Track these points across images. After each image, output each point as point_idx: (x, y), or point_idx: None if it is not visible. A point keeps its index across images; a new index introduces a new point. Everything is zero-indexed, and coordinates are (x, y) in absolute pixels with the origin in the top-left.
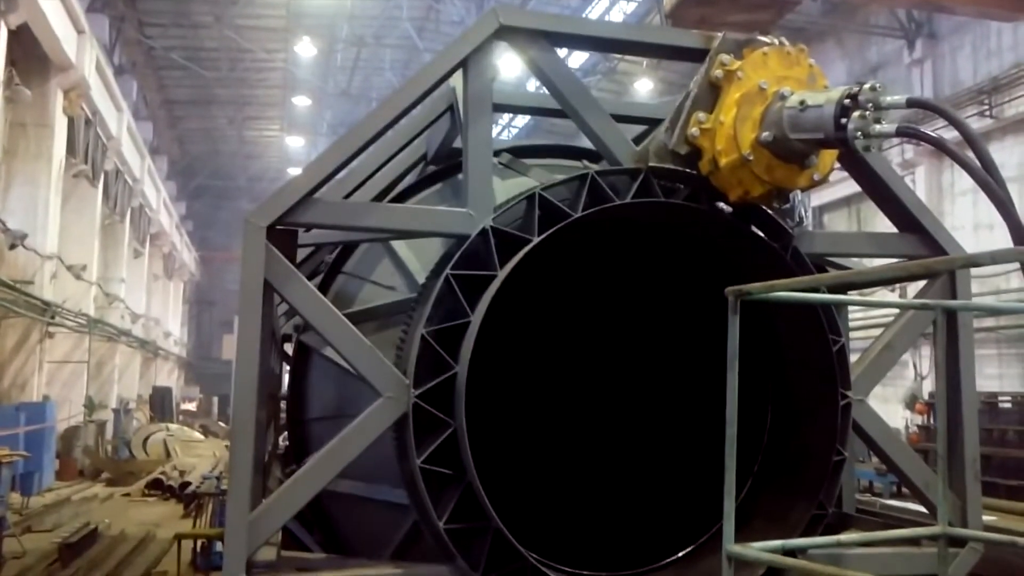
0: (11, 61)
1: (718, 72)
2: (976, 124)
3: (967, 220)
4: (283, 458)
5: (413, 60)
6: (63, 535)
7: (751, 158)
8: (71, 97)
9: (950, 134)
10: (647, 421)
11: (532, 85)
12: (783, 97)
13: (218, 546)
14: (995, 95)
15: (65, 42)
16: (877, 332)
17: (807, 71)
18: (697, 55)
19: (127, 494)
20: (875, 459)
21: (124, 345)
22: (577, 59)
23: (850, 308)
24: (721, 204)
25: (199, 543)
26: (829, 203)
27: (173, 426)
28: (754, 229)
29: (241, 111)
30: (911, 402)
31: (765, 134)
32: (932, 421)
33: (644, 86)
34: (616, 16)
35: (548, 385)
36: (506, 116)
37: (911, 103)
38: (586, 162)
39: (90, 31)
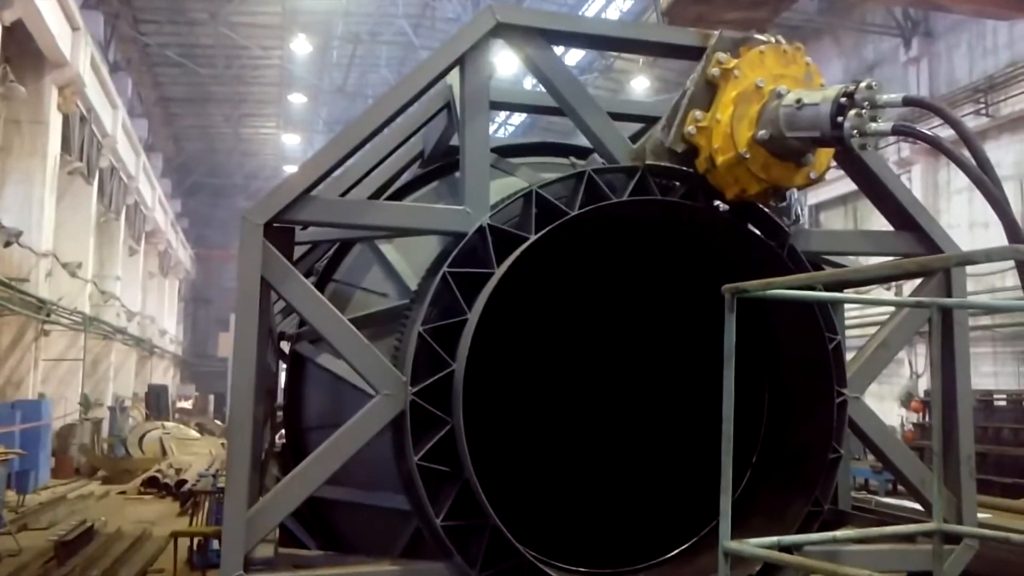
0: (5, 58)
1: (715, 70)
2: (972, 122)
3: (963, 218)
4: (280, 457)
5: (409, 57)
6: (59, 533)
7: (748, 156)
8: (66, 94)
9: (946, 132)
10: (644, 418)
11: (528, 83)
12: (780, 95)
13: (214, 544)
14: (991, 93)
15: (60, 39)
16: (872, 330)
17: (804, 69)
18: (694, 53)
19: (123, 492)
20: (871, 457)
21: (119, 343)
22: (573, 57)
23: (846, 306)
24: (717, 202)
25: (195, 541)
26: (825, 201)
27: (169, 424)
28: (751, 227)
29: (237, 108)
30: (906, 400)
31: (762, 132)
32: (927, 419)
33: (640, 84)
34: (612, 14)
35: (545, 383)
36: (502, 114)
37: (907, 101)
38: (573, 159)
39: (85, 28)
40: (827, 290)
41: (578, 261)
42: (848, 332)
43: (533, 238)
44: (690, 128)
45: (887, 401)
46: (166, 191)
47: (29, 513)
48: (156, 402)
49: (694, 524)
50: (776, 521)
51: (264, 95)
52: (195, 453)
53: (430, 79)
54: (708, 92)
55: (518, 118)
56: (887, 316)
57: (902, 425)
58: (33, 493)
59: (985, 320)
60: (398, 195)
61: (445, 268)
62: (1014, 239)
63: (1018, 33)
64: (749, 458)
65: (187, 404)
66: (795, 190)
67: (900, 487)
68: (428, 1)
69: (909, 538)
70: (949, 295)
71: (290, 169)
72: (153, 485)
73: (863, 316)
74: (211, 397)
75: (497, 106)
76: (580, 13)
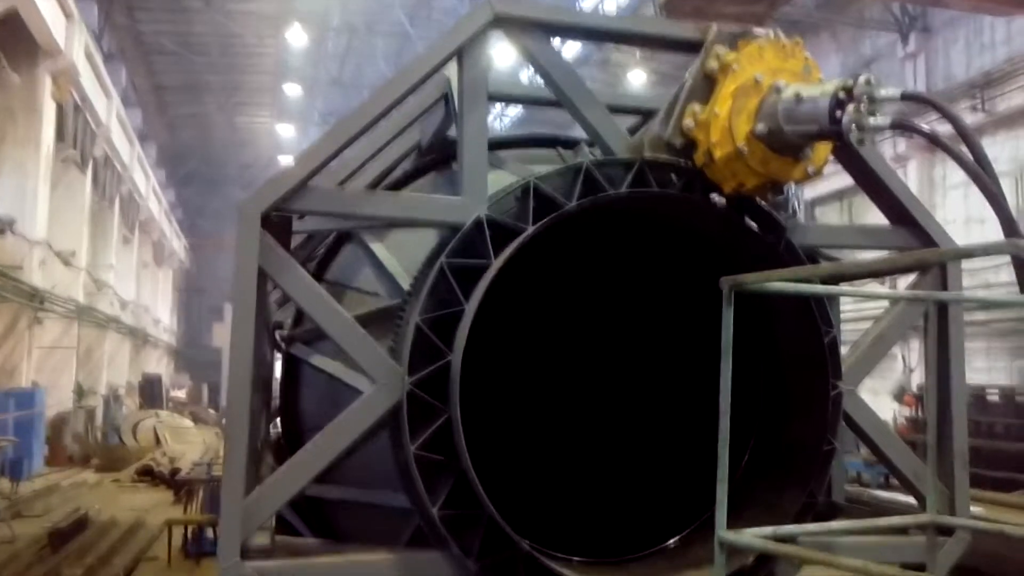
0: None
1: (713, 64)
2: (968, 118)
3: (958, 214)
4: (275, 448)
5: (405, 48)
6: (53, 521)
7: (746, 150)
8: (60, 83)
9: (943, 128)
10: (640, 410)
11: (524, 76)
12: (778, 90)
13: (208, 532)
14: (988, 89)
15: (53, 27)
16: (866, 325)
17: (802, 63)
18: (692, 47)
19: (117, 480)
20: (863, 450)
21: (113, 332)
22: (570, 50)
23: (840, 300)
24: (715, 196)
25: (189, 529)
26: (821, 196)
27: (163, 413)
28: (748, 221)
29: (231, 98)
30: (900, 394)
31: (760, 126)
32: (920, 413)
33: (637, 77)
34: (609, 6)
35: (542, 375)
36: (497, 107)
37: (906, 96)
38: (560, 149)
39: (78, 16)
40: (824, 284)
41: (576, 254)
42: (842, 327)
43: (531, 230)
44: (688, 122)
45: (880, 396)
46: (160, 180)
47: (23, 501)
48: (150, 391)
49: (688, 514)
50: (770, 513)
51: (259, 85)
52: (189, 442)
53: (428, 70)
54: (706, 86)
55: (513, 111)
56: (882, 311)
57: (895, 419)
58: (27, 481)
59: (979, 315)
60: (395, 187)
61: (443, 259)
62: (1010, 234)
63: (1016, 29)
64: (744, 450)
65: (181, 393)
66: (793, 184)
67: (893, 481)
68: None
69: (902, 530)
70: (945, 290)
71: (284, 159)
72: (147, 474)
73: (858, 311)
74: (205, 386)
75: (494, 98)
76: (577, 6)
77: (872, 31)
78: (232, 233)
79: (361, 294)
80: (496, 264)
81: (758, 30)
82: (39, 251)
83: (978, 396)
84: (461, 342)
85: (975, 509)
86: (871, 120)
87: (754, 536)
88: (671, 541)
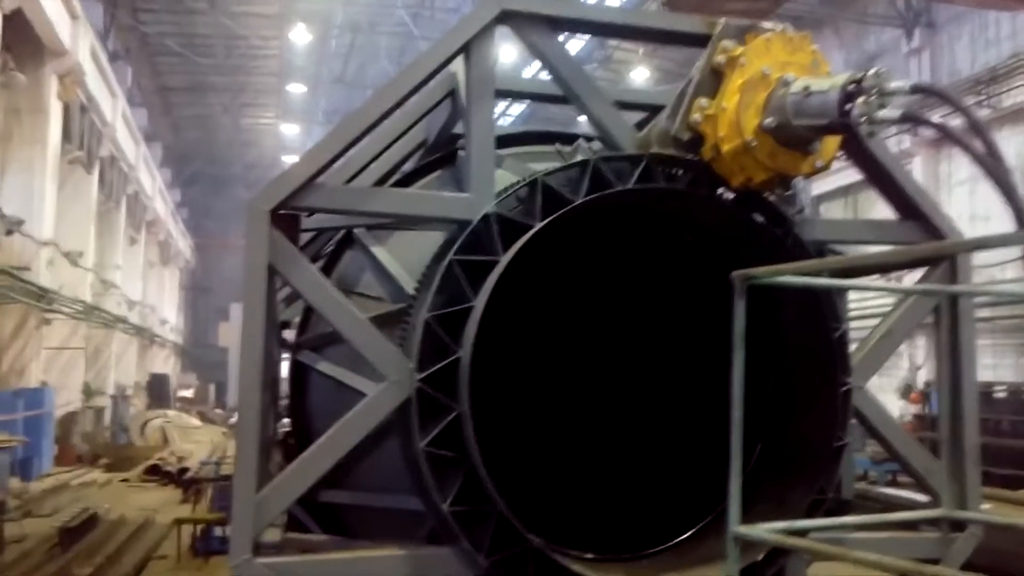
0: (5, 46)
1: (720, 58)
2: (962, 118)
3: (963, 211)
4: (283, 445)
5: (408, 47)
6: (63, 520)
7: (754, 144)
8: (66, 83)
9: (950, 122)
10: (649, 405)
11: (527, 74)
12: (786, 83)
13: (217, 531)
14: (993, 85)
15: (59, 27)
16: (870, 321)
17: (810, 57)
18: (699, 41)
19: (125, 479)
20: (869, 448)
21: (120, 332)
22: (573, 47)
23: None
24: (722, 190)
25: (198, 528)
26: (826, 192)
27: (170, 412)
28: (756, 216)
29: (236, 98)
30: (905, 392)
31: (768, 120)
32: (927, 410)
33: (640, 74)
34: (613, 1)
35: (551, 371)
36: (501, 104)
37: (916, 89)
38: (559, 145)
39: (84, 16)
40: (834, 278)
41: (583, 249)
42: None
43: (538, 226)
44: (696, 116)
45: (886, 393)
46: (166, 180)
47: (33, 500)
48: (157, 391)
49: (699, 510)
50: (780, 509)
51: (263, 85)
52: (196, 441)
53: (435, 66)
54: (714, 80)
55: (516, 109)
56: (886, 307)
57: (901, 416)
58: (36, 480)
59: (985, 312)
60: (402, 184)
61: (451, 255)
62: (1023, 226)
63: (1020, 24)
64: (753, 446)
65: (188, 393)
66: (801, 179)
67: (899, 478)
68: None
69: (912, 526)
70: (954, 284)
71: (289, 159)
72: (155, 473)
73: (861, 308)
74: (211, 386)
75: (502, 94)
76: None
77: (876, 27)
78: (237, 233)
79: (365, 299)
80: (505, 259)
81: (765, 24)
82: (46, 252)
83: (984, 393)
84: (471, 337)
85: (982, 506)
86: (881, 113)
87: (768, 531)
88: (682, 537)
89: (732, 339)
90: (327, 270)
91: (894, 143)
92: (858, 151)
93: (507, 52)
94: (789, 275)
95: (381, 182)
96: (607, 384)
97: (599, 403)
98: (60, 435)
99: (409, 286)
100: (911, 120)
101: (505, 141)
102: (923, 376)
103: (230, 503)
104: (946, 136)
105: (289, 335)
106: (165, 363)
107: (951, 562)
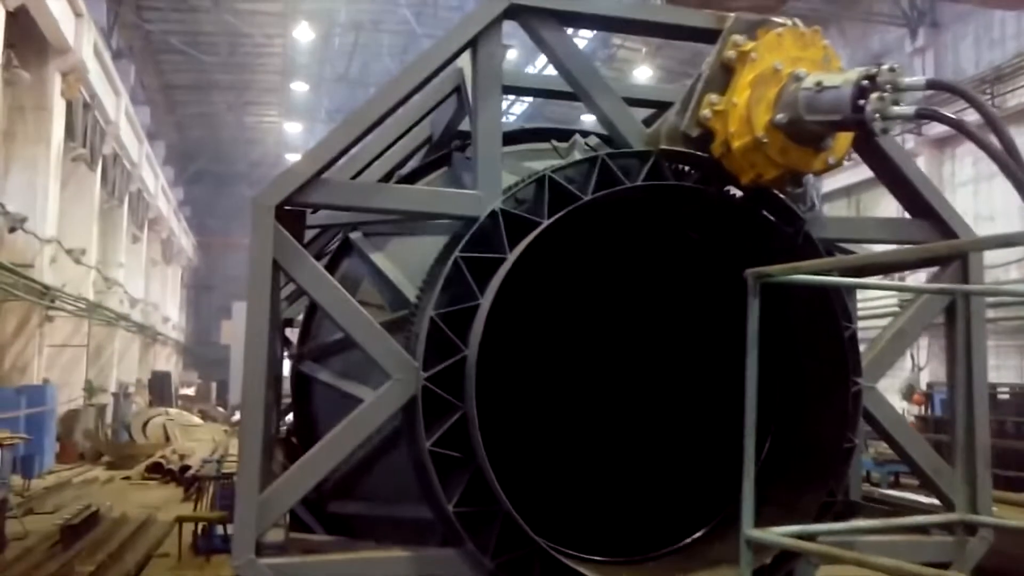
0: (9, 44)
1: (731, 53)
2: (978, 114)
3: (968, 211)
4: (285, 444)
5: (411, 45)
6: (65, 517)
7: (765, 140)
8: (69, 80)
9: (969, 118)
10: (657, 405)
11: (530, 69)
12: (798, 78)
13: (219, 529)
14: (998, 84)
15: (63, 25)
16: (875, 322)
17: (821, 52)
18: (708, 36)
19: (127, 477)
20: (872, 449)
21: (123, 330)
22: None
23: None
24: (732, 188)
25: (200, 526)
26: (829, 192)
27: (172, 410)
28: (766, 214)
29: (240, 96)
30: (908, 393)
31: (780, 116)
32: (930, 411)
33: (643, 73)
34: None
35: (558, 370)
36: (503, 103)
37: (931, 84)
38: (554, 142)
39: (88, 14)
40: (845, 277)
41: (590, 245)
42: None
43: (546, 223)
44: (706, 112)
45: (889, 394)
46: (169, 179)
47: (35, 497)
48: (159, 388)
49: (705, 512)
50: (789, 512)
51: (267, 83)
52: (198, 439)
53: (441, 62)
54: (724, 75)
55: (518, 107)
56: (890, 307)
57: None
58: (38, 478)
59: (989, 313)
60: (407, 181)
61: (457, 253)
62: None
63: None
64: (761, 447)
65: (190, 391)
66: (811, 176)
67: (903, 479)
68: None
69: (922, 529)
70: (965, 283)
71: (292, 157)
72: (157, 471)
73: (865, 308)
74: (213, 384)
75: (508, 90)
76: None
77: (880, 26)
78: (240, 231)
79: (365, 307)
80: (511, 257)
81: (776, 19)
82: (49, 249)
83: (988, 394)
84: (477, 336)
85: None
86: (895, 109)
87: (782, 535)
88: (689, 539)
89: (743, 338)
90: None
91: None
92: (869, 148)
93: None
94: (804, 274)
95: (385, 179)
96: (613, 383)
97: (604, 402)
98: (62, 433)
99: (411, 293)
100: (927, 116)
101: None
102: (926, 377)
103: (232, 501)
104: (962, 133)
105: (291, 332)
106: (167, 361)
107: (964, 566)
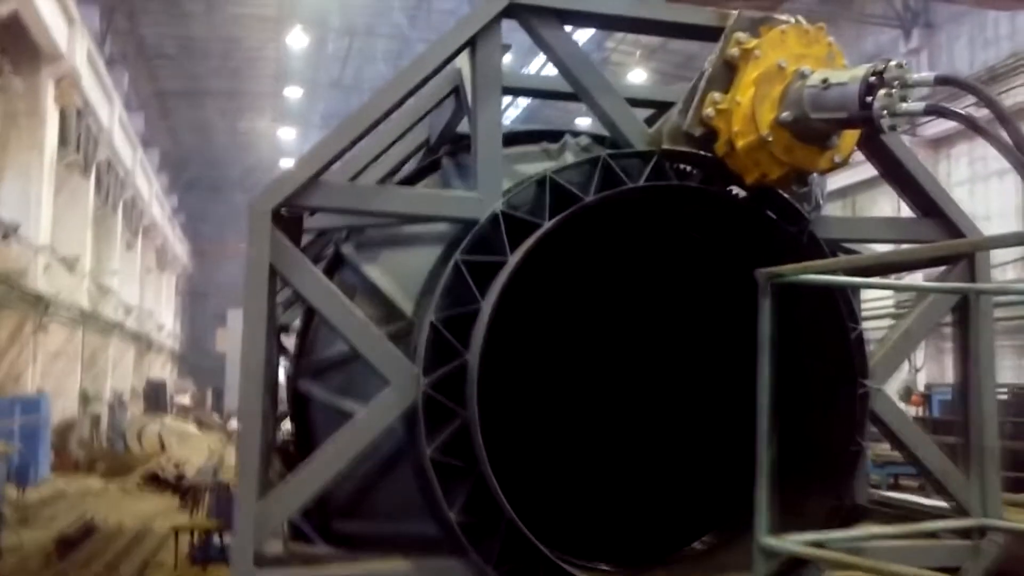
0: (2, 51)
1: (734, 51)
2: (988, 110)
3: (964, 210)
4: (282, 453)
5: (405, 50)
6: (60, 528)
7: (770, 139)
8: (62, 87)
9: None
10: (661, 409)
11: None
12: (803, 76)
13: (215, 538)
14: (992, 85)
15: (56, 32)
16: (870, 323)
17: (826, 49)
18: (711, 33)
19: (123, 487)
20: (870, 451)
21: (117, 338)
22: None
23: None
24: (736, 187)
25: (196, 535)
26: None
27: (168, 419)
28: (770, 214)
29: (233, 102)
30: (906, 394)
31: (785, 114)
32: (928, 412)
33: (638, 76)
34: None
35: (559, 373)
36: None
37: (940, 80)
38: (546, 144)
39: (80, 21)
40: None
41: (590, 246)
42: None
43: (548, 225)
44: (709, 111)
45: None
46: (163, 185)
47: (30, 508)
48: (154, 397)
49: (711, 519)
50: (797, 516)
51: (260, 89)
52: (194, 448)
53: (440, 62)
54: (727, 73)
55: (512, 112)
56: (890, 308)
57: None
58: (33, 488)
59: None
60: (405, 183)
61: (458, 256)
62: None
63: (1019, 24)
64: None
65: (185, 399)
66: (816, 175)
67: (901, 482)
68: None
69: (930, 533)
70: (973, 282)
71: (286, 163)
72: (153, 480)
73: (865, 308)
74: (209, 392)
75: (508, 91)
76: None
77: (874, 27)
78: (235, 238)
79: None
80: (513, 260)
81: (779, 16)
82: (43, 257)
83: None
84: (478, 341)
85: None
86: (904, 105)
87: (796, 542)
88: (695, 545)
89: (748, 340)
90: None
91: None
92: (873, 146)
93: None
94: (815, 273)
95: (383, 183)
96: (615, 386)
97: (606, 406)
98: (57, 442)
99: (406, 306)
100: (935, 113)
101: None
102: (923, 378)
103: (228, 510)
104: (972, 129)
105: (286, 339)
106: (162, 369)
107: (976, 570)
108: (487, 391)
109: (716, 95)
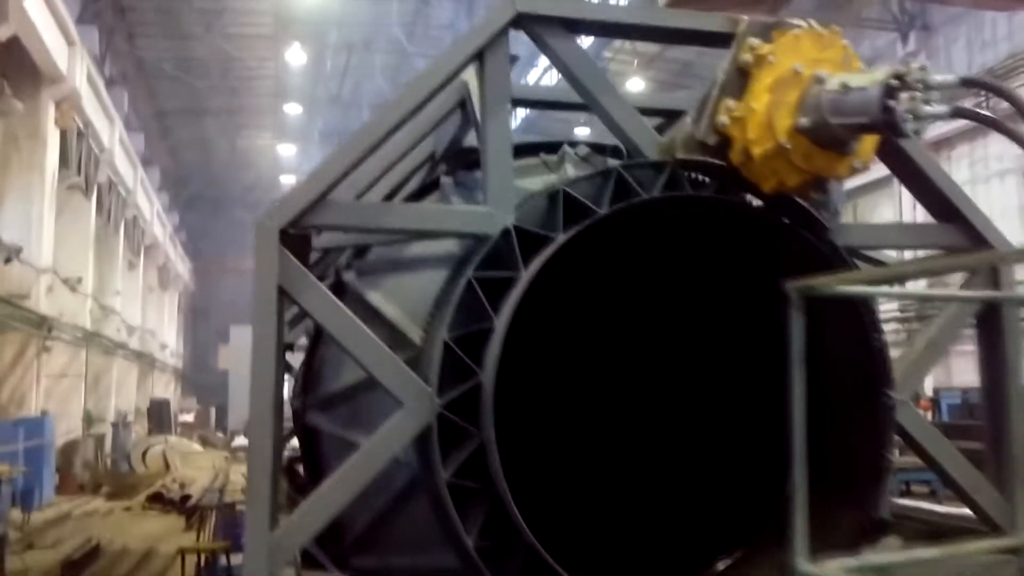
0: (2, 73)
1: (747, 56)
2: (1016, 110)
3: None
4: (288, 473)
5: (403, 65)
6: (65, 552)
7: (788, 146)
8: (63, 109)
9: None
10: (679, 424)
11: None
12: (821, 80)
13: (222, 559)
14: None
15: (56, 54)
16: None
17: (841, 52)
18: (722, 40)
19: (128, 508)
20: None
21: (121, 358)
22: None
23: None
24: (751, 196)
25: (203, 557)
26: None
27: (172, 438)
28: (789, 222)
29: (233, 120)
30: (914, 400)
31: (803, 120)
32: (937, 417)
33: (635, 85)
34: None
35: (575, 389)
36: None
37: (965, 82)
38: (543, 155)
39: (80, 42)
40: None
41: (603, 258)
42: None
43: (562, 239)
44: (723, 118)
45: None
46: (164, 204)
47: (35, 531)
48: (158, 416)
49: (732, 536)
50: (826, 533)
51: (259, 106)
52: (199, 467)
53: (447, 75)
54: (740, 80)
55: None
56: (892, 313)
57: None
58: (38, 511)
59: None
60: (421, 193)
61: (470, 272)
62: None
63: (1017, 25)
64: (788, 465)
65: (189, 417)
66: (834, 182)
67: (914, 488)
68: (420, 7)
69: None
70: (996, 289)
71: (287, 180)
72: (158, 500)
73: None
74: (212, 410)
75: (516, 103)
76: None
77: (871, 31)
78: (236, 255)
79: None
80: (527, 276)
81: (792, 20)
82: (46, 278)
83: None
84: (493, 360)
85: None
86: (927, 108)
87: (835, 569)
88: (718, 565)
89: (768, 353)
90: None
91: None
92: (890, 151)
93: None
94: (849, 285)
95: (388, 199)
96: (632, 400)
97: (624, 421)
98: (61, 464)
99: (412, 332)
100: (962, 115)
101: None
102: (931, 382)
103: (235, 531)
104: (998, 131)
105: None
106: (165, 388)
107: None
108: (501, 410)
109: (730, 102)
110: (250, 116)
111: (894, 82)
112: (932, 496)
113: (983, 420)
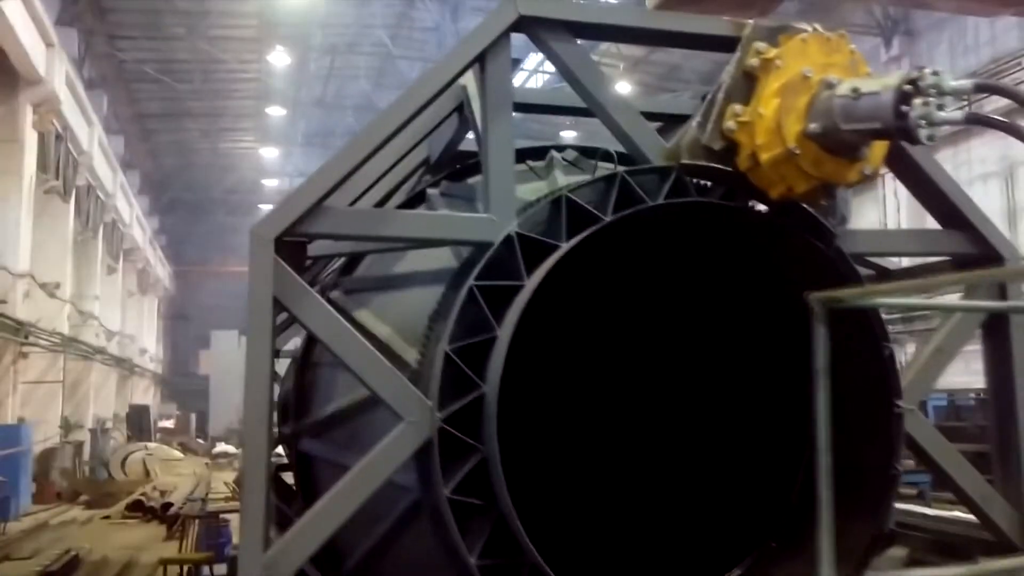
0: None
1: (753, 61)
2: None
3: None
4: (276, 483)
5: (387, 67)
6: (43, 563)
7: (797, 152)
8: (41, 112)
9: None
10: (686, 434)
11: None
12: (830, 85)
13: (205, 570)
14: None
15: (34, 56)
16: None
17: (848, 57)
18: (726, 44)
19: (107, 517)
20: None
21: (99, 363)
22: (551, 65)
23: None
24: (757, 202)
25: (185, 568)
26: None
27: (152, 445)
28: (797, 229)
29: (214, 123)
30: None
31: (813, 125)
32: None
33: (622, 88)
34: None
35: (579, 398)
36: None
37: (980, 88)
38: (529, 163)
39: (59, 44)
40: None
41: (606, 264)
42: None
43: (566, 246)
44: (730, 123)
45: None
46: (144, 208)
47: (11, 542)
48: (138, 422)
49: (738, 550)
50: (840, 546)
51: (242, 109)
52: (179, 474)
53: (447, 80)
54: (746, 84)
55: None
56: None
57: None
58: (14, 520)
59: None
60: (408, 206)
61: (472, 281)
62: None
63: (1000, 29)
64: (795, 476)
65: (169, 423)
66: (842, 188)
67: (903, 490)
68: (405, 10)
69: (969, 556)
70: (1004, 296)
71: (269, 183)
72: (138, 509)
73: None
74: (193, 416)
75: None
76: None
77: (855, 35)
78: (217, 259)
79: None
80: (532, 284)
81: (798, 23)
82: (23, 283)
83: (982, 400)
84: (496, 372)
85: None
86: (941, 114)
87: None
88: None
89: (776, 363)
90: (308, 345)
91: None
92: (896, 157)
93: None
94: (873, 296)
95: (382, 204)
96: (638, 409)
97: (630, 431)
98: (38, 472)
99: (405, 352)
100: (977, 121)
101: (474, 165)
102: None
103: (218, 541)
104: (1014, 136)
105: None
106: (145, 394)
107: None
108: (504, 422)
109: (737, 107)
110: (233, 119)
111: (908, 87)
112: (920, 499)
113: (990, 426)
